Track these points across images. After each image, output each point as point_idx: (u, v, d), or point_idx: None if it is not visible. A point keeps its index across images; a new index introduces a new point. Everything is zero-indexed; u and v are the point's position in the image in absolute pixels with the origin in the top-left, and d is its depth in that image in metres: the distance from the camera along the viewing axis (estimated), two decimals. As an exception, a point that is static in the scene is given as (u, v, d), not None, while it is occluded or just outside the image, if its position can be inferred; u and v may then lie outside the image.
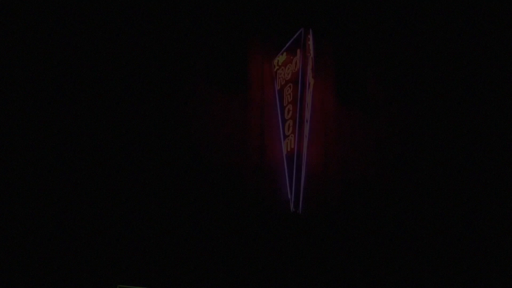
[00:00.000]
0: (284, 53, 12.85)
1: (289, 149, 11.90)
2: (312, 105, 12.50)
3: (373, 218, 12.23)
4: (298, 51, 12.34)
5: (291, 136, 11.91)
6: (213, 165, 11.89)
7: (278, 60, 13.03)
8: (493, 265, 12.81)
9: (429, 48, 14.42)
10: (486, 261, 12.73)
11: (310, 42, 12.47)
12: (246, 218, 11.35)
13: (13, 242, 9.18)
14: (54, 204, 9.67)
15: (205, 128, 12.10)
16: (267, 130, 12.43)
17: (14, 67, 9.99)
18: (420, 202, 12.27)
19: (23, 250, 9.24)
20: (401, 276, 11.55)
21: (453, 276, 12.43)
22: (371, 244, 11.98)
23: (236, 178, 11.90)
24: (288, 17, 13.33)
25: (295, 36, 12.61)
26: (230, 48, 13.57)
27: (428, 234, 12.00)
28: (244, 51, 13.33)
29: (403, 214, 12.07)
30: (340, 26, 14.05)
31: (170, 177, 11.32)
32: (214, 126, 12.20)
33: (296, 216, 11.41)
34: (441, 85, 13.94)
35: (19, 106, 9.84)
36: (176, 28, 13.04)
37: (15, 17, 10.21)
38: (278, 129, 12.45)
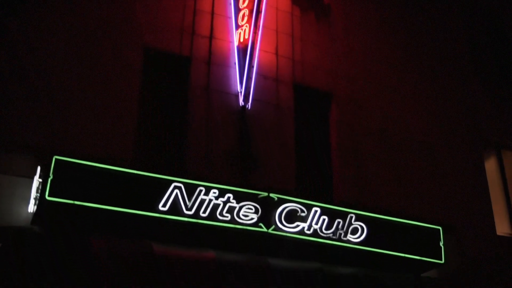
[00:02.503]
0: None
1: (242, 40, 10.96)
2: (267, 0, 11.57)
3: (320, 120, 11.72)
4: None
5: (246, 26, 10.96)
6: (158, 50, 10.69)
7: None
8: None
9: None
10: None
11: None
12: (192, 109, 10.35)
13: None
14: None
15: (150, 12, 10.81)
16: (218, 19, 11.37)
17: None
18: (375, 112, 11.90)
19: None
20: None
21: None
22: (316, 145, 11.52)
23: (182, 66, 10.80)
24: None
25: None
26: None
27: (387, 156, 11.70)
28: None
29: (350, 121, 11.64)
30: None
31: (108, 65, 9.97)
32: (161, 10, 10.95)
33: (244, 110, 10.60)
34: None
35: None
36: None
37: None
38: (230, 19, 11.42)
